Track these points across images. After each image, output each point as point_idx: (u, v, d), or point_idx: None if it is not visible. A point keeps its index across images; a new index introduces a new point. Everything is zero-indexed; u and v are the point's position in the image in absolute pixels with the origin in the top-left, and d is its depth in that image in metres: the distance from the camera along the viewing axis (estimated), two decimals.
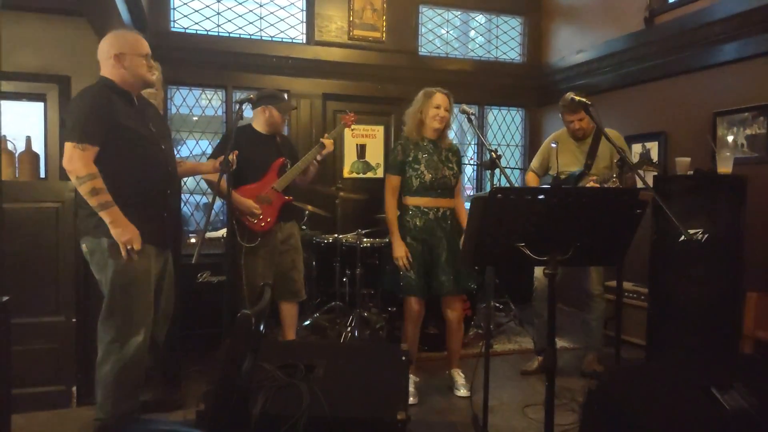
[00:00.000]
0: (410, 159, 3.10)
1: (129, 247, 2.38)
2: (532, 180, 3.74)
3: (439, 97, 3.10)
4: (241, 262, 3.17)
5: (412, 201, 3.12)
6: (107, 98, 2.39)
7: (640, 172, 2.67)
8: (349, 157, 5.37)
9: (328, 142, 3.35)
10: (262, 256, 3.24)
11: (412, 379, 3.11)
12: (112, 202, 2.33)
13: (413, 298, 3.09)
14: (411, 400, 3.00)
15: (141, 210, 2.44)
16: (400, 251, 3.03)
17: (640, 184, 2.53)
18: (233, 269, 3.15)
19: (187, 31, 4.87)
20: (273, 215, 3.24)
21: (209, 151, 5.08)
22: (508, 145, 6.02)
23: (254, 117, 3.36)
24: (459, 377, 3.26)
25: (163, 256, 2.65)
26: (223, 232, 4.72)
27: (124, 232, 2.36)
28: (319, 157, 3.35)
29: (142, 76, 2.52)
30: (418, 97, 3.16)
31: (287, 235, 3.38)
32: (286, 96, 3.58)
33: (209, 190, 4.95)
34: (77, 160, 2.28)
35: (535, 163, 3.73)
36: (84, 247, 2.47)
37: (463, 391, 3.18)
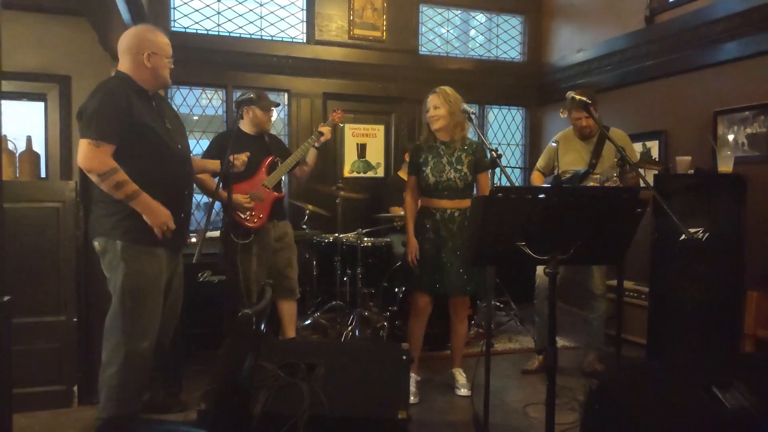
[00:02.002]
0: (421, 161, 3.13)
1: (165, 228, 2.38)
2: (537, 179, 3.74)
3: (429, 99, 3.10)
4: (237, 260, 3.18)
5: (422, 202, 3.18)
6: (125, 95, 2.34)
7: (641, 170, 2.67)
8: (350, 156, 5.37)
9: (325, 130, 3.45)
10: (256, 254, 3.26)
11: (414, 377, 3.12)
12: (139, 189, 2.31)
13: (419, 294, 3.11)
14: (412, 399, 3.00)
15: None
16: (411, 247, 3.08)
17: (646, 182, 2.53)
18: (230, 267, 3.18)
19: (188, 30, 4.87)
20: (265, 212, 3.28)
21: None
22: (508, 145, 6.02)
23: (242, 119, 3.42)
24: (461, 376, 3.27)
25: (174, 260, 2.63)
26: None
27: (158, 215, 2.36)
28: (317, 144, 3.43)
29: (164, 78, 2.53)
30: (426, 101, 3.16)
31: (281, 234, 3.43)
32: (267, 94, 3.61)
33: None
34: (94, 157, 2.24)
35: (540, 162, 3.74)
36: (97, 245, 2.44)
37: (464, 390, 3.19)
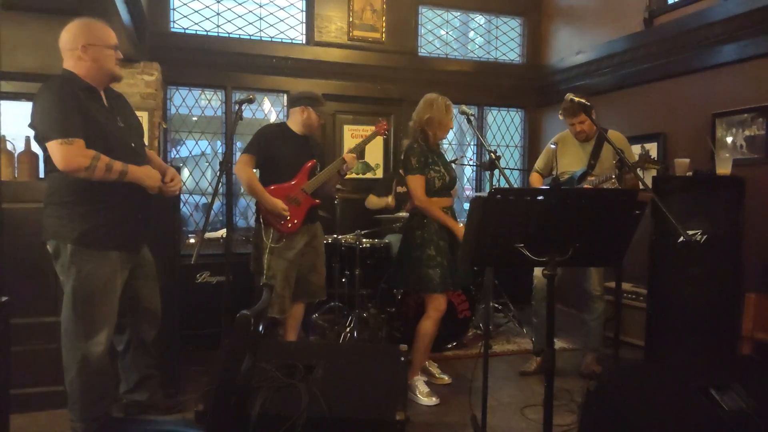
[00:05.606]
0: (431, 161, 3.12)
1: (156, 188, 2.41)
2: (536, 181, 3.74)
3: (452, 108, 3.20)
4: (263, 262, 3.15)
5: (435, 202, 3.10)
6: (72, 92, 2.24)
7: (639, 172, 2.67)
8: None
9: (348, 157, 3.35)
10: (290, 258, 3.21)
11: (422, 379, 3.19)
12: (126, 165, 2.29)
13: (443, 294, 3.11)
14: (434, 400, 3.07)
15: (108, 212, 2.34)
16: (461, 231, 3.02)
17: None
18: (258, 269, 3.20)
19: (187, 31, 4.88)
20: (300, 217, 3.23)
21: (209, 151, 5.11)
22: (507, 146, 6.02)
23: (291, 116, 3.38)
24: (434, 366, 3.43)
25: (132, 261, 2.54)
26: (222, 232, 4.72)
27: (151, 178, 2.39)
28: (341, 172, 3.37)
29: (110, 70, 2.37)
30: (439, 105, 3.10)
31: (311, 237, 3.36)
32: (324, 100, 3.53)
33: (209, 190, 4.98)
34: (73, 155, 2.15)
35: (539, 163, 3.74)
36: (49, 247, 2.39)
37: (446, 377, 3.37)
